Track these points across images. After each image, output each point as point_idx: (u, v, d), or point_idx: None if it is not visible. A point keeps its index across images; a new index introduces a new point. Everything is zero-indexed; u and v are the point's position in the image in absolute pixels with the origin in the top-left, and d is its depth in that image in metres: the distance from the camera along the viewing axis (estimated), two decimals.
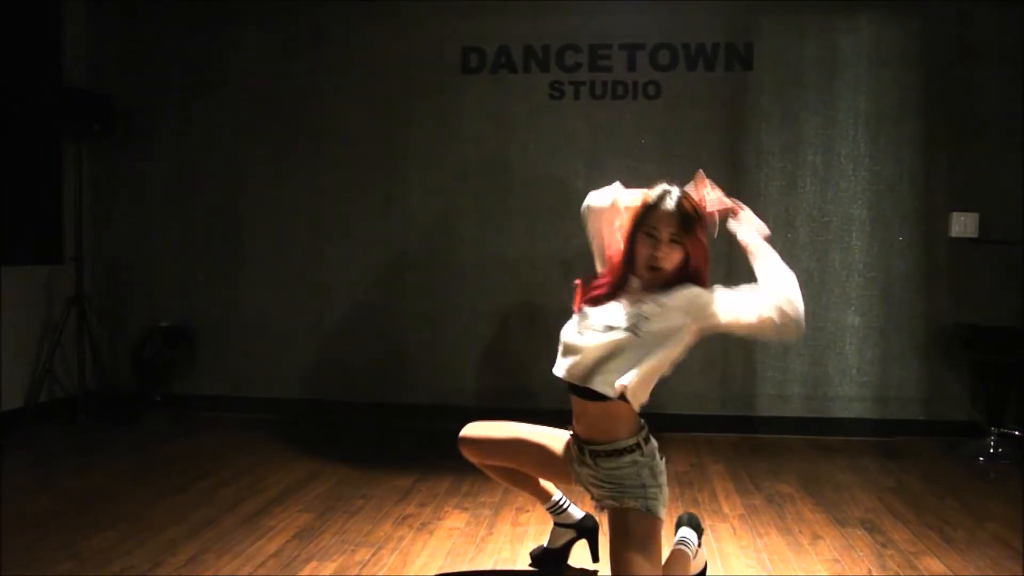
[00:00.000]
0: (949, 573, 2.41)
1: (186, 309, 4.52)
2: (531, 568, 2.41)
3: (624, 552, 1.89)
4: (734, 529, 2.76)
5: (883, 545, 2.62)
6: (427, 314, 4.35)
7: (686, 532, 2.28)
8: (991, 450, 3.74)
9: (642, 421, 2.02)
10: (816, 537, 2.70)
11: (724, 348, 4.14)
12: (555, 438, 2.19)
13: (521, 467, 2.25)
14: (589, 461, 2.01)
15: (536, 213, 4.26)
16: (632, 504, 1.93)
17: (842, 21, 4.07)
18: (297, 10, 4.39)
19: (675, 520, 2.38)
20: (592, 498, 2.08)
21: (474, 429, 2.25)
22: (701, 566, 2.30)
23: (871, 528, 2.79)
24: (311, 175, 4.43)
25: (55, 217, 4.37)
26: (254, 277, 4.49)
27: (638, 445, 1.97)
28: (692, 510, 2.77)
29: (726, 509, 2.98)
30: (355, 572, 2.35)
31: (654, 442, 2.03)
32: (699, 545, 2.29)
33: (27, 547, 2.48)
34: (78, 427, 4.11)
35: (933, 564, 2.47)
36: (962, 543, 2.65)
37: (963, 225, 4.03)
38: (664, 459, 2.04)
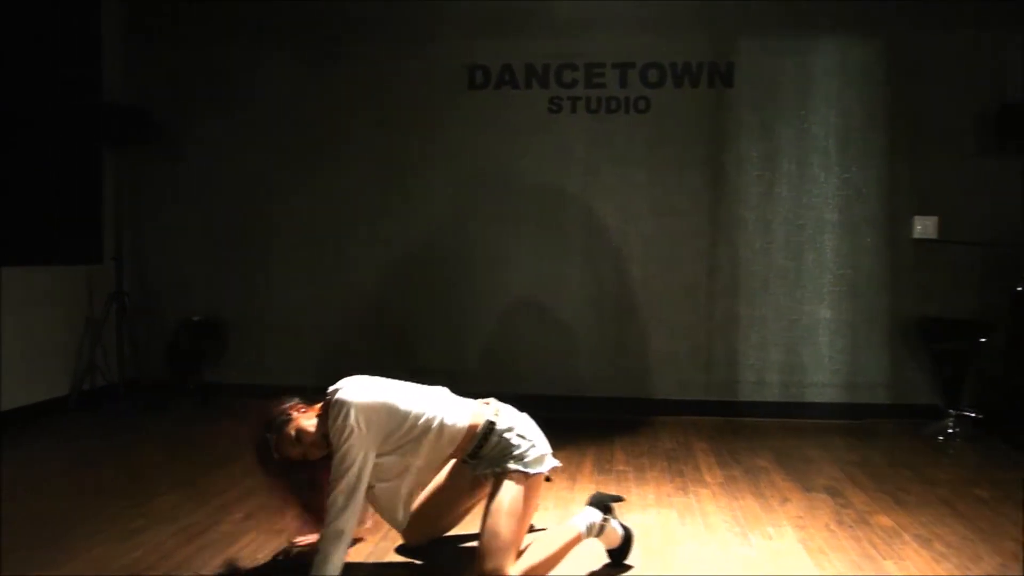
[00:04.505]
0: (895, 525, 2.81)
1: (216, 304, 4.81)
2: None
3: (500, 508, 2.21)
4: (714, 494, 3.14)
5: (842, 506, 3.01)
6: (436, 306, 4.68)
7: (587, 512, 2.40)
8: (949, 430, 4.08)
9: (484, 420, 2.36)
10: (785, 500, 3.09)
11: (709, 338, 4.51)
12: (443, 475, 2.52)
13: (448, 516, 2.54)
14: (472, 461, 2.39)
15: (536, 216, 4.61)
16: (512, 467, 2.29)
17: (813, 44, 4.43)
18: (318, 33, 4.72)
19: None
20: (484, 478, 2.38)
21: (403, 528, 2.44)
22: (616, 542, 2.42)
23: (833, 493, 3.18)
24: (331, 182, 4.74)
25: (96, 220, 4.67)
26: (279, 274, 4.80)
27: (490, 426, 2.35)
28: (677, 480, 3.20)
29: (708, 479, 3.37)
30: None
31: (506, 411, 2.41)
32: (605, 520, 2.39)
33: (100, 508, 2.85)
34: (120, 412, 4.44)
35: (883, 520, 2.86)
36: (911, 504, 3.04)
37: (924, 227, 4.39)
38: (526, 415, 2.44)
